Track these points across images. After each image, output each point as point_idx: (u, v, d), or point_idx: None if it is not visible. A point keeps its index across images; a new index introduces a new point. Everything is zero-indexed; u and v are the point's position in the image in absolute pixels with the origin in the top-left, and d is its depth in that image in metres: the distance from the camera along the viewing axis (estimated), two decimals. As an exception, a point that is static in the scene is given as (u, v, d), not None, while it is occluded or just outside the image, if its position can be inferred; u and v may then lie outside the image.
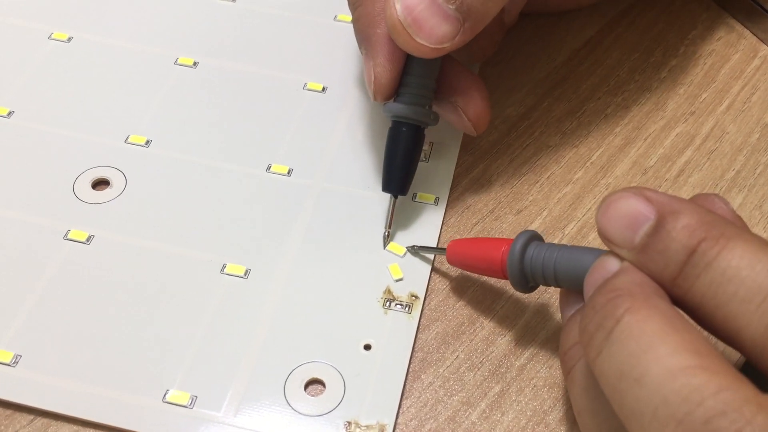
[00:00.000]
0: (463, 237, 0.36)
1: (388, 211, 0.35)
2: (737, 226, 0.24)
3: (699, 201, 0.26)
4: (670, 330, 0.22)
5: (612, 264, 0.25)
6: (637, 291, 0.23)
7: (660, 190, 0.37)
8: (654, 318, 0.22)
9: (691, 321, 0.24)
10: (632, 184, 0.38)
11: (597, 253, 0.27)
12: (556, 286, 0.29)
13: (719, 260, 0.23)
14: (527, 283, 0.30)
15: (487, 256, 0.31)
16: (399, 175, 0.35)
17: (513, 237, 0.30)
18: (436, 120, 0.35)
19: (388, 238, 0.35)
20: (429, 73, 0.34)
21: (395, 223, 0.35)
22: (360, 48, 0.35)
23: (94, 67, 0.41)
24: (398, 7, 0.31)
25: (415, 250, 0.34)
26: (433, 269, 0.34)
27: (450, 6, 0.31)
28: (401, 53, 0.33)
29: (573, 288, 0.28)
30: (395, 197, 0.35)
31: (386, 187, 0.35)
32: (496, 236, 0.36)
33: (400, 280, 0.34)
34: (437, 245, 0.35)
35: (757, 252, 0.23)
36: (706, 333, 0.24)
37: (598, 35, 0.44)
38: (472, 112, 0.35)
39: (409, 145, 0.35)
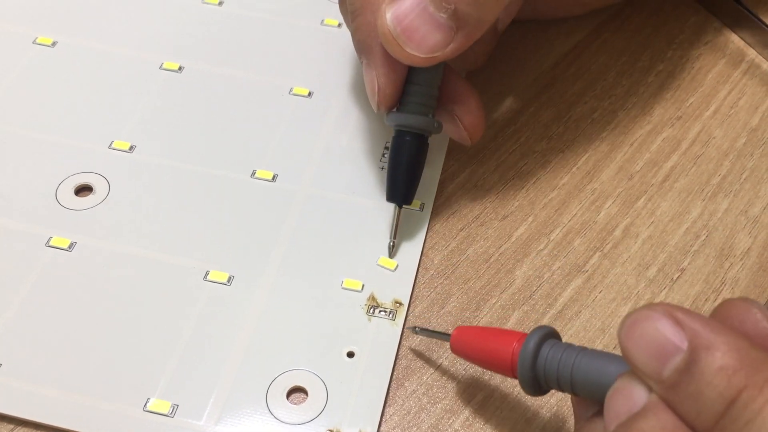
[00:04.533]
0: (445, 242, 0.35)
1: (393, 221, 0.35)
2: None
3: (734, 312, 0.23)
4: None
5: (638, 394, 0.22)
6: None
7: (646, 194, 0.37)
8: None
9: None
10: (618, 190, 0.37)
11: (620, 363, 0.24)
12: (573, 394, 0.26)
13: (764, 417, 0.20)
14: (540, 388, 0.27)
15: (496, 351, 0.28)
16: (403, 184, 0.34)
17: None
18: (439, 128, 0.35)
19: (393, 248, 0.34)
20: (431, 81, 0.34)
21: (381, 230, 0.35)
22: (360, 58, 0.34)
23: (78, 72, 0.40)
24: (388, 16, 0.31)
25: (417, 331, 0.32)
26: (418, 275, 0.34)
27: (441, 15, 0.31)
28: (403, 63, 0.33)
29: (591, 399, 0.25)
30: (400, 207, 0.35)
31: (391, 197, 0.35)
32: (481, 242, 0.36)
33: (395, 269, 0.34)
34: (422, 251, 0.35)
35: None
36: None
37: (586, 40, 0.44)
38: (468, 122, 0.35)
39: (413, 154, 0.34)
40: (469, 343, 0.29)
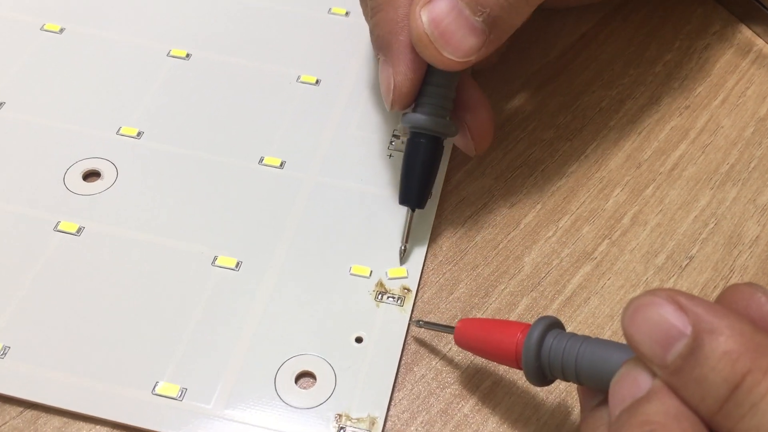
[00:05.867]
0: (454, 229, 0.35)
1: (405, 224, 0.34)
2: None
3: (737, 296, 0.23)
4: None
5: (642, 379, 0.22)
6: (672, 428, 0.21)
7: (654, 182, 0.37)
8: None
9: None
10: (626, 178, 0.37)
11: (624, 351, 0.24)
12: (578, 383, 0.26)
13: None
14: (545, 378, 0.27)
15: (500, 343, 0.27)
16: (417, 188, 0.33)
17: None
18: (456, 132, 0.34)
19: (404, 252, 0.34)
20: (450, 83, 0.33)
21: (388, 217, 0.35)
22: (377, 54, 0.34)
23: (86, 59, 0.40)
24: (424, 18, 0.30)
25: (421, 325, 0.32)
26: (426, 262, 0.34)
27: (477, 18, 0.30)
28: (422, 62, 0.32)
29: (596, 388, 0.25)
30: (413, 210, 0.34)
31: (404, 200, 0.34)
32: (489, 229, 0.35)
33: (395, 279, 0.33)
34: (430, 238, 0.35)
35: None
36: None
37: (593, 30, 0.44)
38: (477, 131, 0.34)
39: (428, 157, 0.33)
40: (472, 336, 0.29)
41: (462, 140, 0.35)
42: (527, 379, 0.27)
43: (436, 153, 0.34)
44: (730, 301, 0.23)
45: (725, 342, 0.21)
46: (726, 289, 0.24)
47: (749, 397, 0.20)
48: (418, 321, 0.32)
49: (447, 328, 0.31)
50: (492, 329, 0.28)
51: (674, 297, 0.22)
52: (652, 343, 0.22)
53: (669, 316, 0.21)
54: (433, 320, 0.32)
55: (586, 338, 0.25)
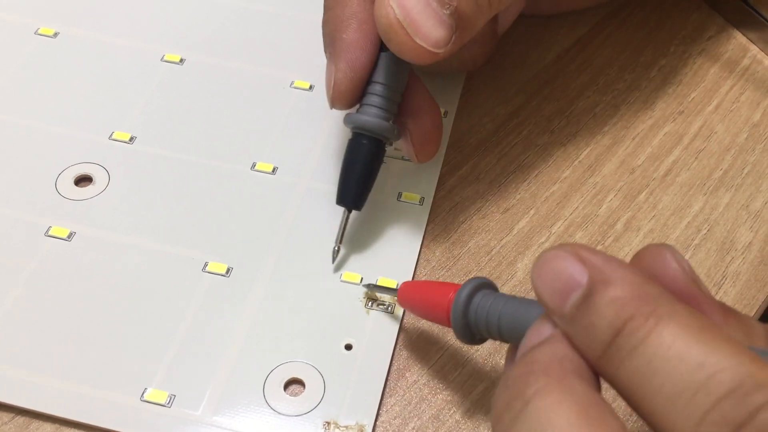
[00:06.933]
0: (447, 234, 0.35)
1: (340, 225, 0.33)
2: (674, 301, 0.21)
3: (648, 258, 0.24)
4: (580, 422, 0.20)
5: (545, 330, 0.23)
6: (553, 368, 0.21)
7: (647, 188, 0.37)
8: (564, 405, 0.20)
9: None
10: (620, 184, 0.37)
11: (542, 308, 0.24)
12: (502, 340, 0.26)
13: (646, 346, 0.20)
14: (473, 336, 0.27)
15: (434, 303, 0.28)
16: (355, 189, 0.33)
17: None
18: (398, 136, 0.34)
19: (337, 253, 0.33)
20: (396, 86, 0.33)
21: (380, 223, 0.35)
22: (325, 52, 0.33)
23: (80, 63, 0.40)
24: (394, 5, 0.30)
25: (369, 288, 0.33)
26: (419, 267, 0.34)
27: (444, 11, 0.30)
28: (365, 61, 0.32)
29: (516, 343, 0.25)
30: (349, 211, 0.34)
31: (340, 200, 0.33)
32: (482, 235, 0.35)
33: (385, 289, 0.33)
34: (422, 244, 0.35)
35: (691, 337, 0.20)
36: None
37: (589, 34, 0.44)
38: (418, 139, 0.34)
39: (368, 159, 0.33)
40: (412, 296, 0.30)
41: (405, 146, 0.35)
42: (456, 336, 0.28)
43: (376, 155, 0.33)
44: (640, 259, 0.24)
45: (613, 290, 0.21)
46: (639, 250, 0.24)
47: (629, 341, 0.20)
48: (368, 284, 0.33)
49: (391, 291, 0.32)
50: (428, 290, 0.29)
51: (577, 250, 0.22)
52: (553, 293, 0.22)
53: (570, 268, 0.22)
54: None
55: (511, 297, 0.26)
